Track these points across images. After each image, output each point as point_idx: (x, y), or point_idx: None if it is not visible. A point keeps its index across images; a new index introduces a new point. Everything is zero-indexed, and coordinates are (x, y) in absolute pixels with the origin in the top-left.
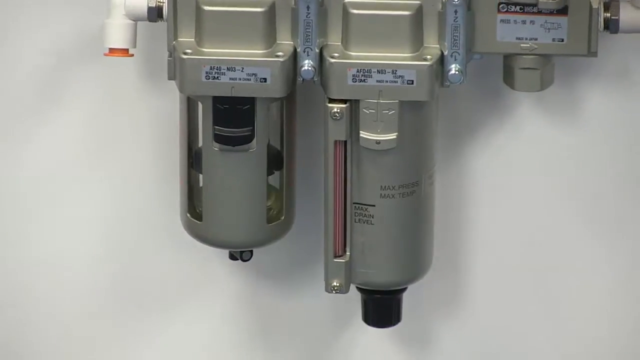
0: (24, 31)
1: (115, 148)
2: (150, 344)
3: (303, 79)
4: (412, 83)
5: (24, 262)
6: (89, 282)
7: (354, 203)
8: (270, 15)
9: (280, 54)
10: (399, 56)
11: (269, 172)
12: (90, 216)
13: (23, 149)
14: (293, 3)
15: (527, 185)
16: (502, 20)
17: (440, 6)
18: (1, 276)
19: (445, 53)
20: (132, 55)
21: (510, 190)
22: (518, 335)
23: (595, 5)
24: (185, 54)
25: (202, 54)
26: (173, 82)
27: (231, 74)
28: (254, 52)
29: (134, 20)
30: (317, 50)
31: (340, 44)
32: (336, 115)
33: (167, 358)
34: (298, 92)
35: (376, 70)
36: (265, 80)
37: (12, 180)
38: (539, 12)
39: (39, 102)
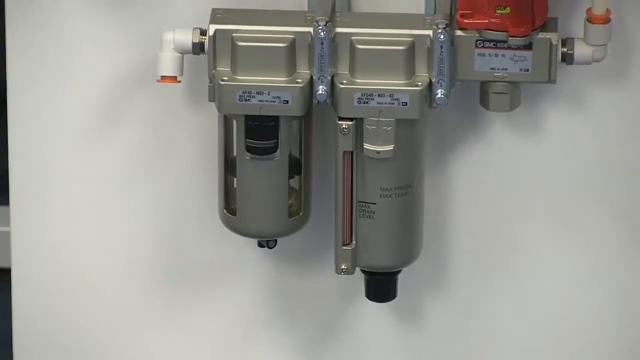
0: (92, 59)
1: (167, 156)
2: (197, 313)
3: (318, 101)
4: (406, 104)
5: (91, 247)
6: (143, 266)
7: (358, 201)
8: (291, 49)
9: (299, 80)
10: (395, 83)
11: (290, 176)
12: (146, 212)
13: (92, 154)
14: (310, 39)
15: (499, 188)
16: (479, 54)
17: (429, 42)
18: (71, 259)
19: (433, 80)
20: (180, 81)
21: (486, 192)
22: (490, 307)
23: (554, 42)
24: (222, 80)
25: (236, 80)
26: (213, 103)
27: (260, 97)
28: (278, 79)
29: (181, 53)
30: (329, 78)
31: (347, 72)
32: (344, 131)
33: (210, 323)
34: (314, 111)
35: (377, 94)
36: (287, 102)
37: (82, 182)
38: (509, 48)
39: (103, 119)
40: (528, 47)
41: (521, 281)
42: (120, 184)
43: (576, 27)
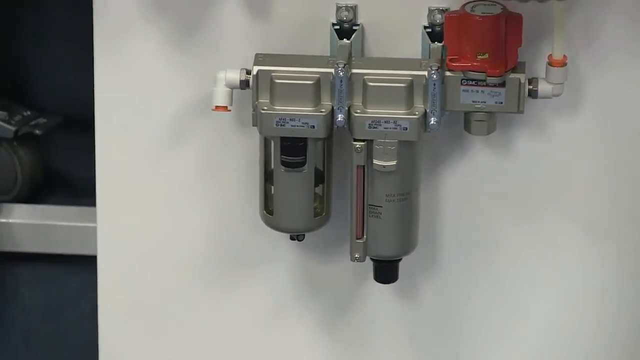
0: (163, 93)
1: (220, 169)
2: (242, 291)
3: (337, 126)
4: (406, 129)
5: (160, 240)
6: (202, 255)
7: (368, 204)
8: (317, 86)
9: (323, 110)
10: (398, 112)
11: (315, 185)
12: (204, 213)
13: (162, 166)
14: (331, 78)
15: (479, 194)
16: (463, 90)
17: (424, 81)
18: (145, 249)
19: (428, 110)
20: (230, 110)
21: (468, 198)
22: (472, 288)
23: (522, 81)
24: (263, 110)
25: (274, 110)
26: (255, 127)
27: (292, 122)
28: (306, 109)
29: (231, 88)
30: (346, 108)
31: (361, 104)
32: (358, 149)
33: (252, 299)
34: (334, 134)
35: (384, 121)
36: (313, 126)
37: (154, 189)
38: (487, 85)
39: (171, 139)
40: (502, 84)
41: (498, 266)
42: (185, 191)
43: (539, 69)
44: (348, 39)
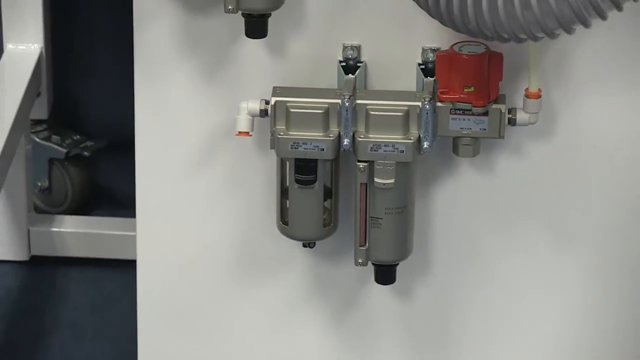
0: (193, 118)
1: (242, 185)
2: (261, 291)
3: (344, 149)
4: (403, 152)
5: (192, 246)
6: (227, 259)
7: (370, 217)
8: (326, 114)
9: (331, 135)
10: (396, 137)
11: (325, 199)
12: (229, 223)
13: (193, 182)
14: (339, 108)
15: (465, 208)
16: (452, 118)
17: (418, 110)
18: (179, 253)
19: (421, 135)
20: (251, 135)
21: (456, 211)
22: (460, 288)
23: (503, 111)
24: (280, 135)
25: (289, 135)
26: (273, 150)
27: (304, 146)
28: (317, 134)
29: (252, 116)
30: (352, 133)
31: (364, 130)
32: (361, 169)
33: (270, 297)
34: (341, 156)
35: (383, 145)
36: (323, 149)
37: (186, 201)
38: (473, 114)
39: (201, 158)
40: (485, 114)
41: (482, 269)
42: (212, 204)
43: (518, 100)
44: (353, 74)
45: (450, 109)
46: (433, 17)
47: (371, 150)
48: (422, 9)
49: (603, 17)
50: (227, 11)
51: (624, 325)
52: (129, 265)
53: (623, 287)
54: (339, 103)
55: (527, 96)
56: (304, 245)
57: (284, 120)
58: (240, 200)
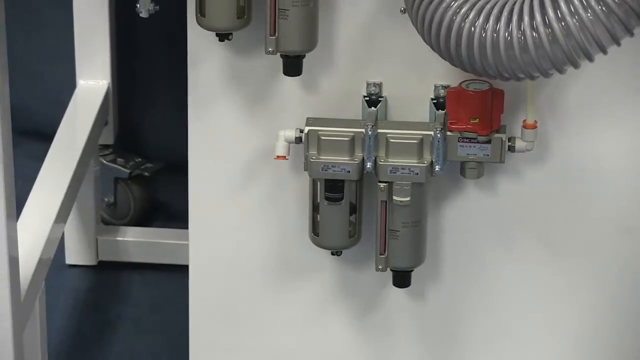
0: (238, 143)
1: (280, 201)
2: (296, 291)
3: (367, 171)
4: (418, 174)
5: (237, 253)
6: (268, 265)
7: (389, 229)
8: (352, 142)
9: (356, 159)
10: (411, 161)
11: (350, 214)
12: (270, 233)
13: (235, 199)
14: (363, 136)
15: (470, 223)
16: (460, 145)
17: (431, 139)
18: (225, 260)
19: (433, 160)
20: (287, 159)
21: (463, 225)
22: (466, 292)
23: (504, 140)
24: (312, 159)
25: (320, 159)
26: (306, 172)
27: (333, 168)
28: (344, 158)
29: (288, 143)
30: (374, 158)
31: (384, 155)
32: (382, 189)
33: (303, 296)
34: (365, 177)
35: (401, 168)
36: (349, 171)
37: (231, 215)
38: (478, 142)
39: (244, 178)
40: (489, 142)
41: (486, 276)
42: (254, 217)
43: (516, 130)
44: (375, 107)
45: (459, 138)
46: (444, 59)
47: (390, 172)
48: (435, 51)
49: (591, 59)
50: (268, 53)
51: (614, 323)
52: (183, 270)
53: (607, 292)
54: (363, 132)
55: (524, 127)
56: (332, 254)
57: (315, 146)
58: (277, 215)
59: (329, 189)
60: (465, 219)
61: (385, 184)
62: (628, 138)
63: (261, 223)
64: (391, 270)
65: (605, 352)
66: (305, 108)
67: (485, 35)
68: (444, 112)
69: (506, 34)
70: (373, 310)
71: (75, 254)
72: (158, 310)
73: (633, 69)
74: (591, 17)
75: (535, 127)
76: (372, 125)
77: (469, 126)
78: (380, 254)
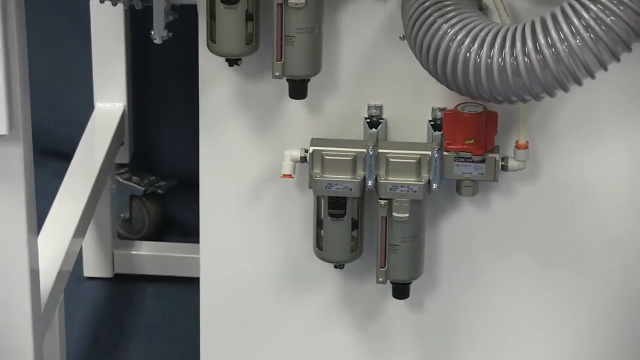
0: (250, 163)
1: (288, 217)
2: (302, 300)
3: (368, 189)
4: (416, 192)
5: (247, 266)
6: (277, 276)
7: (389, 244)
8: (354, 161)
9: (358, 177)
10: (410, 179)
11: (352, 229)
12: (279, 247)
13: (246, 214)
14: (364, 156)
15: (465, 237)
16: (456, 165)
17: (429, 158)
18: (236, 272)
19: (431, 178)
20: (293, 177)
21: (457, 240)
22: (460, 303)
23: (497, 159)
24: (316, 177)
25: (324, 177)
26: (310, 189)
27: (336, 186)
28: (346, 177)
29: (294, 162)
30: (374, 176)
31: (384, 173)
32: (382, 205)
33: (309, 306)
34: (366, 194)
35: (400, 185)
36: (351, 189)
37: (242, 228)
38: (473, 161)
39: (254, 195)
40: (483, 161)
41: (479, 288)
42: (261, 232)
43: (509, 150)
44: (376, 128)
45: (455, 157)
46: (441, 83)
47: (390, 190)
48: (432, 76)
49: (579, 83)
50: (274, 77)
51: (610, 333)
52: (194, 282)
53: (599, 303)
54: (364, 152)
55: (517, 147)
56: (336, 267)
57: (319, 165)
58: (284, 230)
59: (332, 206)
60: (461, 234)
61: (385, 201)
62: (613, 156)
63: (268, 237)
64: (391, 282)
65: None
66: (309, 129)
67: (480, 60)
68: (440, 133)
69: (499, 60)
70: (374, 320)
71: (93, 267)
72: (171, 320)
73: (618, 92)
74: (580, 44)
75: (527, 147)
76: (373, 146)
77: (464, 146)
78: (381, 267)
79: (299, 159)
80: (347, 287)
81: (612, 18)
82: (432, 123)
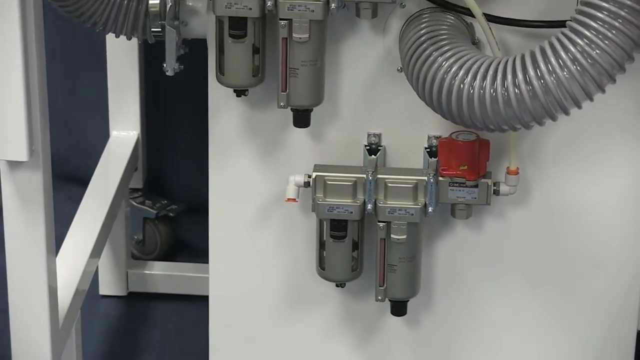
0: (257, 186)
1: (290, 239)
2: (305, 314)
3: (368, 212)
4: (413, 214)
5: (255, 282)
6: (284, 292)
7: (387, 264)
8: (354, 185)
9: (358, 201)
10: (407, 203)
11: (353, 250)
12: (286, 265)
13: (257, 232)
14: (364, 181)
15: (458, 258)
16: (450, 189)
17: (425, 183)
18: (245, 290)
19: (427, 202)
20: (297, 201)
21: (451, 260)
22: (455, 319)
23: (490, 184)
24: (319, 201)
25: (326, 201)
26: (314, 212)
27: (338, 209)
28: (347, 201)
29: (298, 187)
30: (374, 200)
31: (383, 197)
32: (381, 227)
33: (313, 320)
34: (366, 217)
35: (398, 209)
36: (352, 212)
37: (252, 245)
38: (466, 186)
39: (263, 213)
40: (476, 186)
41: (472, 305)
42: (267, 254)
43: (500, 176)
44: (375, 155)
45: (449, 182)
46: (436, 112)
47: (388, 213)
48: (428, 106)
49: (567, 113)
50: (279, 107)
51: (597, 348)
52: (203, 300)
53: (585, 319)
54: (364, 177)
55: (508, 173)
56: (337, 285)
57: (322, 190)
58: (288, 250)
59: (334, 228)
60: (455, 255)
61: (384, 224)
62: (598, 181)
63: (274, 258)
64: (389, 300)
65: None
66: (313, 156)
67: (473, 91)
68: (436, 159)
69: (491, 91)
70: (373, 336)
71: (108, 286)
72: (181, 336)
73: (603, 121)
74: (567, 76)
75: (518, 173)
76: (373, 172)
77: (458, 172)
78: (380, 286)
79: (302, 183)
80: (348, 304)
81: (598, 52)
82: (428, 150)
